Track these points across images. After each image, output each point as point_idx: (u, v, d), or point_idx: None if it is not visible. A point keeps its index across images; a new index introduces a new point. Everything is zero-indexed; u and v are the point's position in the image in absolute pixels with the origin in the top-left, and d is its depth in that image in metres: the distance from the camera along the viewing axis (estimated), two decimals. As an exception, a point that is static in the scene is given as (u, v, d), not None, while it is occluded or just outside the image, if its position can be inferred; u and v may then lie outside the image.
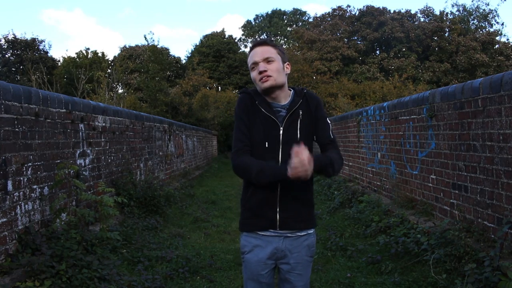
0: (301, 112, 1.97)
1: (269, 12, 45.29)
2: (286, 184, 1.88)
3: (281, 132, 1.93)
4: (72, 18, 73.20)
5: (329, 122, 2.05)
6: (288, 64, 2.02)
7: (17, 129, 3.45)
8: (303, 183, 1.85)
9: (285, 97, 2.00)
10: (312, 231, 2.01)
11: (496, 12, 44.04)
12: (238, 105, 2.01)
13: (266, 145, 1.92)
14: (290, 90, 2.06)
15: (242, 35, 45.34)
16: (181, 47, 76.80)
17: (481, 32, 33.79)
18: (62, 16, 72.15)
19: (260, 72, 1.92)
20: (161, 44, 44.51)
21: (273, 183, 1.87)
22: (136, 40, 76.11)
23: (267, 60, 1.93)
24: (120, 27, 77.43)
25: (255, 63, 1.94)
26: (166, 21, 77.86)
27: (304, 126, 1.96)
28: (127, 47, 34.91)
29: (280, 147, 1.92)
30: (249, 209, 1.97)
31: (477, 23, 36.01)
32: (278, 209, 1.92)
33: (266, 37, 44.02)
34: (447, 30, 32.30)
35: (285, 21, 44.93)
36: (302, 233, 1.97)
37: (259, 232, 1.97)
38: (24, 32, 58.40)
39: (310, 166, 1.70)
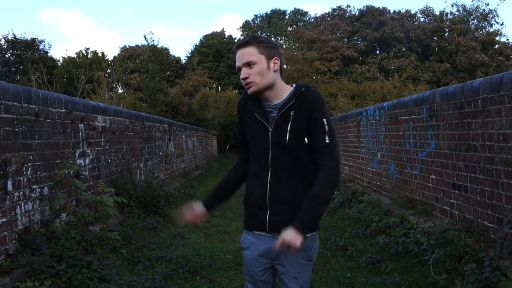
0: (292, 113, 1.86)
1: (268, 12, 45.28)
2: (275, 188, 1.88)
3: (269, 133, 1.89)
4: (69, 17, 73.02)
5: (326, 123, 1.85)
6: (276, 58, 1.88)
7: (17, 129, 3.45)
8: (295, 186, 1.87)
9: (278, 96, 1.92)
10: (308, 236, 1.88)
11: (496, 12, 44.12)
12: (236, 108, 2.10)
13: (257, 148, 1.95)
14: (292, 86, 1.96)
15: (241, 35, 45.33)
16: (179, 47, 76.78)
17: (481, 32, 33.78)
18: (59, 16, 71.99)
19: (243, 79, 1.88)
20: (160, 44, 44.46)
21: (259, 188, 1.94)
22: (134, 39, 75.96)
23: (248, 64, 1.85)
24: (118, 27, 77.32)
25: (238, 69, 1.90)
26: (164, 21, 77.76)
27: (295, 128, 1.85)
28: (127, 47, 34.93)
29: (270, 149, 1.89)
30: (246, 208, 2.01)
31: (477, 23, 36.02)
32: (268, 212, 1.90)
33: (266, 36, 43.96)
34: (447, 30, 32.30)
35: (285, 21, 44.90)
36: None
37: (255, 232, 1.99)
38: (24, 32, 58.41)
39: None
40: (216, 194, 2.11)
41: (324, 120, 1.86)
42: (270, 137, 1.89)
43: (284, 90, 1.94)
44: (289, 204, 1.87)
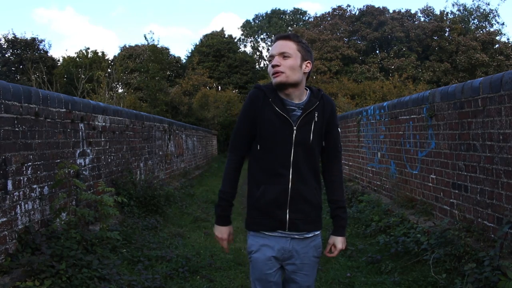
0: (316, 114, 1.92)
1: (268, 12, 45.27)
2: (296, 186, 1.89)
3: (294, 132, 1.88)
4: (64, 17, 72.47)
5: (340, 130, 2.04)
6: (309, 62, 1.93)
7: (17, 129, 3.45)
8: (311, 185, 1.94)
9: (299, 96, 1.93)
10: (318, 232, 2.00)
11: (497, 12, 44.00)
12: (248, 100, 1.96)
13: (277, 145, 1.89)
14: (306, 90, 1.99)
15: (242, 34, 45.33)
16: (176, 46, 76.66)
17: (481, 31, 33.78)
18: (53, 15, 71.40)
19: (273, 66, 1.87)
20: (160, 43, 44.39)
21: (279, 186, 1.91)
22: (131, 39, 75.62)
23: (283, 55, 1.87)
24: (114, 26, 76.96)
25: (272, 56, 1.90)
26: (160, 20, 77.26)
27: (317, 129, 1.92)
28: (127, 46, 34.92)
29: (292, 148, 1.88)
30: (258, 208, 1.92)
31: (477, 22, 36.01)
32: (288, 210, 1.89)
33: (265, 36, 43.99)
34: (447, 29, 32.30)
35: (285, 21, 44.89)
36: (309, 235, 1.95)
37: (266, 233, 1.94)
38: (24, 32, 58.31)
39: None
40: (231, 203, 2.04)
41: (338, 126, 2.04)
42: (294, 136, 1.88)
43: (304, 92, 1.97)
44: (308, 202, 1.92)
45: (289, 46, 1.88)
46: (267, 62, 1.98)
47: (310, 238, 1.96)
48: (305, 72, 1.93)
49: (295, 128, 1.88)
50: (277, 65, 1.86)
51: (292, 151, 1.88)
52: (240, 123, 1.98)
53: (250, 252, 1.99)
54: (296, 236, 1.93)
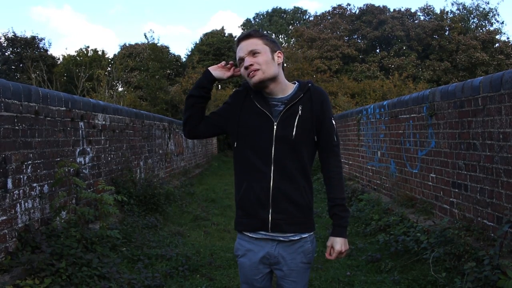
0: (301, 107, 1.81)
1: (269, 11, 45.26)
2: (279, 184, 1.79)
3: (274, 127, 1.79)
4: (61, 15, 72.03)
5: (334, 122, 1.90)
6: (279, 52, 1.87)
7: (17, 127, 3.45)
8: (298, 184, 1.82)
9: (283, 90, 1.86)
10: (307, 235, 1.86)
11: (496, 10, 44.03)
12: (231, 95, 1.98)
13: (257, 141, 1.82)
14: (294, 83, 1.92)
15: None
16: (174, 45, 76.51)
17: (481, 30, 33.76)
18: (51, 14, 71.02)
19: (247, 67, 1.80)
20: (160, 42, 44.33)
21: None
22: (129, 37, 75.32)
23: (253, 53, 1.80)
24: (112, 25, 76.59)
25: (241, 59, 1.83)
26: (158, 19, 76.90)
27: (302, 123, 1.80)
28: (127, 45, 34.91)
29: (273, 144, 1.79)
30: (241, 208, 1.86)
31: (477, 21, 35.97)
32: (270, 210, 1.79)
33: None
34: (447, 28, 32.27)
35: (286, 19, 44.86)
36: (296, 238, 1.83)
37: (250, 235, 1.86)
38: (24, 30, 58.18)
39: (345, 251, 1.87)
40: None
41: (332, 119, 1.89)
42: (274, 131, 1.79)
43: (288, 86, 1.90)
44: (293, 202, 1.80)
45: (255, 43, 1.82)
46: (239, 67, 1.91)
47: (298, 243, 1.84)
48: (279, 63, 1.86)
49: (275, 123, 1.80)
50: (251, 65, 1.79)
51: (273, 147, 1.79)
52: (219, 108, 2.01)
53: (236, 255, 1.94)
54: (281, 239, 1.82)
